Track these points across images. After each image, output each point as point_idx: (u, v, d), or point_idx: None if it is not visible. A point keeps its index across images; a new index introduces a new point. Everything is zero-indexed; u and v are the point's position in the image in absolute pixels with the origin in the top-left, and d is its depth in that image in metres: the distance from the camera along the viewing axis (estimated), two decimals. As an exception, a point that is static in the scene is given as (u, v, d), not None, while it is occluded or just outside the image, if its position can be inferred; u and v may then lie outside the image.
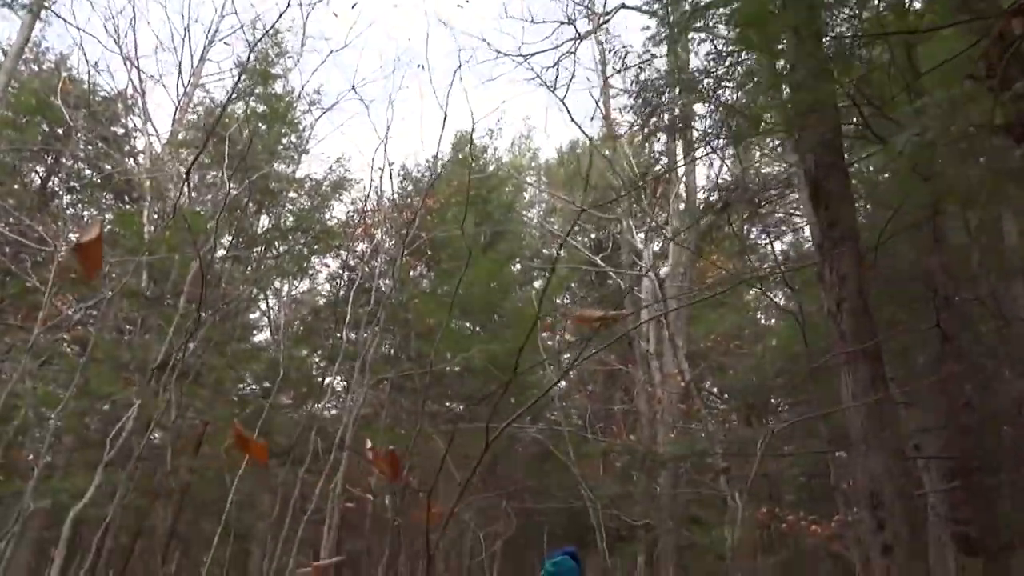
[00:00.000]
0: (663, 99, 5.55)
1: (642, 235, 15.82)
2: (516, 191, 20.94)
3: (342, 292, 16.31)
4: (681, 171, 14.15)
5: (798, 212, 13.10)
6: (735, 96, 5.82)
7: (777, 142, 8.34)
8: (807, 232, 15.46)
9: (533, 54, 12.51)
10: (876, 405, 5.26)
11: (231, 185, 10.58)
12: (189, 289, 10.67)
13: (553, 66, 10.86)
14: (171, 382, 9.31)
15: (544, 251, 22.57)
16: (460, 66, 6.02)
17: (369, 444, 1.30)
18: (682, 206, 15.66)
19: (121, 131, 18.33)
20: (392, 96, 28.70)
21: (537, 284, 22.58)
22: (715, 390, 22.43)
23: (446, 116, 8.50)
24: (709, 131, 5.58)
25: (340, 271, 16.07)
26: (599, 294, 21.38)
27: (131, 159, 17.76)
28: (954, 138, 4.05)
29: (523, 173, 22.41)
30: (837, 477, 8.46)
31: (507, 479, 19.10)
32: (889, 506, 4.95)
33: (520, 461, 19.84)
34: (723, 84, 5.63)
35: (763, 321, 25.59)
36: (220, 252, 13.40)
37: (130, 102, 18.16)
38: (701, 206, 7.12)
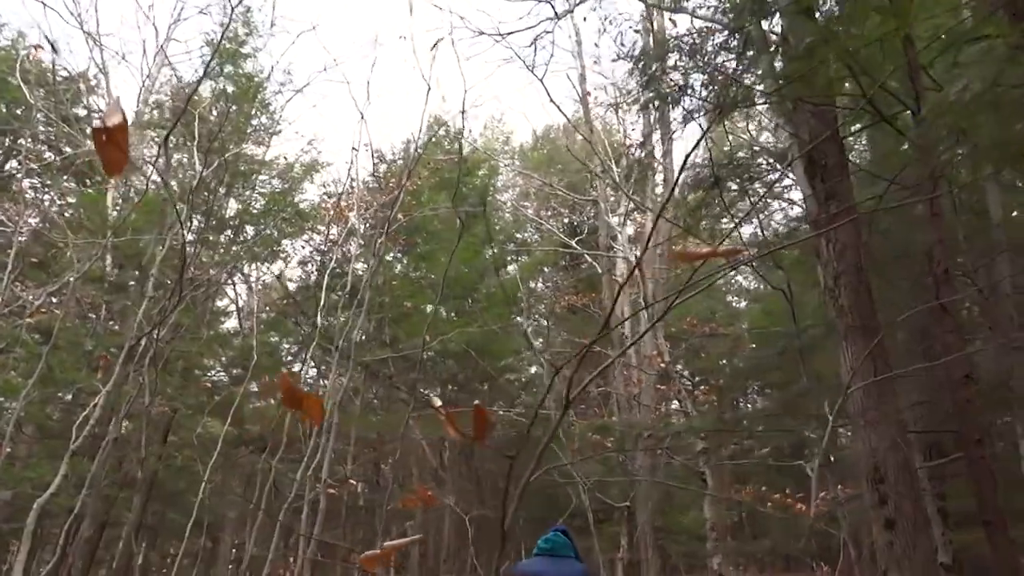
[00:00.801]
0: (662, 66, 5.40)
1: (617, 218, 15.74)
2: (491, 174, 20.73)
3: (314, 277, 15.97)
4: (659, 151, 14.08)
5: (768, 195, 13.14)
6: (731, 67, 5.69)
7: (762, 118, 8.27)
8: (790, 212, 15.53)
9: (510, 32, 12.34)
10: (875, 379, 5.20)
11: (201, 166, 10.21)
12: (158, 273, 10.28)
13: (530, 45, 10.68)
14: (143, 367, 8.97)
15: (518, 235, 22.41)
16: (443, 38, 5.80)
17: (439, 402, 1.11)
18: (659, 189, 15.61)
19: (83, 112, 17.73)
20: (371, 72, 28.01)
21: (511, 268, 22.44)
22: (686, 372, 22.57)
23: (429, 89, 8.29)
24: (705, 100, 5.45)
25: (312, 255, 15.75)
26: (573, 277, 21.29)
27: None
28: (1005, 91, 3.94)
29: (496, 157, 22.17)
30: (819, 453, 8.43)
31: (484, 463, 19.00)
32: (891, 480, 4.89)
33: (494, 445, 19.70)
34: (720, 53, 5.51)
35: (735, 303, 25.85)
36: (189, 236, 12.99)
37: (92, 82, 17.55)
38: (689, 183, 7.03)
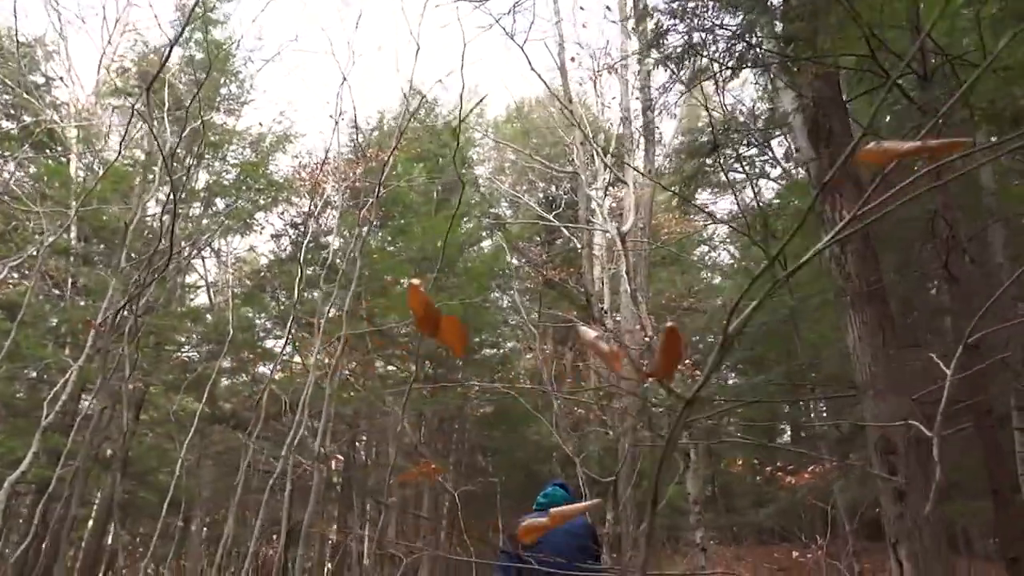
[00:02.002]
0: (675, 24, 5.18)
1: (596, 191, 15.55)
2: (467, 146, 20.37)
3: (288, 250, 15.57)
4: (640, 121, 13.91)
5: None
6: (733, 27, 5.50)
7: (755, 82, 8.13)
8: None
9: (490, -1, 11.99)
10: (884, 347, 5.11)
11: (172, 133, 9.79)
12: (130, 244, 9.89)
13: (508, 12, 10.40)
14: (123, 340, 8.62)
15: (493, 210, 22.12)
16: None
17: (591, 334, 0.88)
18: (640, 162, 15.41)
19: (41, 79, 17.05)
20: (354, 31, 27.09)
21: (486, 244, 22.20)
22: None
23: (418, 48, 7.99)
24: (713, 59, 5.25)
25: (286, 228, 15.31)
26: (550, 252, 21.12)
27: (53, 110, 16.54)
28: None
29: (474, 128, 21.74)
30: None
31: (463, 439, 18.90)
32: (902, 451, 4.80)
33: (472, 421, 19.59)
34: (726, 9, 5.30)
35: (709, 279, 25.88)
36: (157, 208, 12.54)
37: (50, 47, 16.87)
38: (683, 149, 6.85)
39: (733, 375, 22.61)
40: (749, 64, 5.41)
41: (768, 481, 9.21)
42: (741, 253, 21.62)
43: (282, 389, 13.61)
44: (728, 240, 23.57)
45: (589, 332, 0.91)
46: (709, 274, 26.25)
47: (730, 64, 5.33)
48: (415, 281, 0.84)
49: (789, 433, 22.52)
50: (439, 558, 15.53)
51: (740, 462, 10.44)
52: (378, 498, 13.79)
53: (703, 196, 20.26)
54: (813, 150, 5.77)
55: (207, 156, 13.81)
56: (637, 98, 13.44)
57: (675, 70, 5.27)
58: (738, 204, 6.40)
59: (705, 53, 5.23)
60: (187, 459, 10.41)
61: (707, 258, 25.39)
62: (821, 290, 7.27)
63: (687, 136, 6.83)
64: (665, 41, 5.20)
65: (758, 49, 5.28)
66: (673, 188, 6.93)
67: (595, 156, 15.44)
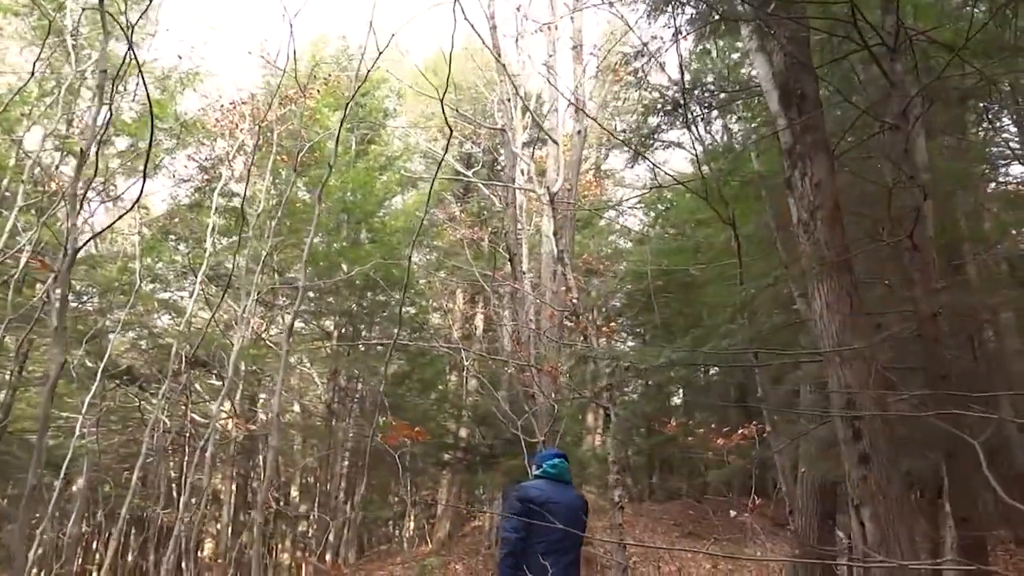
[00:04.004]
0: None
1: (521, 149, 15.31)
2: (385, 96, 19.56)
3: (194, 196, 14.55)
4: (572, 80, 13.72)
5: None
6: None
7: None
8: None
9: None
10: (851, 314, 5.19)
11: (72, 63, 8.85)
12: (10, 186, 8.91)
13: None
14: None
15: (408, 165, 21.46)
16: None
17: None
18: (569, 127, 15.24)
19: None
20: None
21: (397, 201, 21.59)
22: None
23: (378, -17, 7.43)
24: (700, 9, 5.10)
25: (197, 171, 14.24)
26: (464, 208, 20.72)
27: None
28: None
29: (386, 81, 20.90)
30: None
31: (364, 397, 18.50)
32: (866, 415, 4.89)
33: (378, 379, 19.14)
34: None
35: (618, 243, 26.21)
36: (48, 143, 11.40)
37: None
38: (647, 107, 6.72)
39: (632, 340, 23.12)
40: (731, 17, 5.27)
41: (698, 443, 9.41)
42: (652, 219, 21.95)
43: (185, 342, 12.79)
44: (637, 207, 23.83)
45: None
46: (617, 238, 26.56)
47: (716, 17, 5.18)
48: None
49: (681, 397, 23.23)
50: (350, 519, 15.23)
51: (674, 422, 10.61)
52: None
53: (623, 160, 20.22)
54: (784, 115, 5.74)
55: (106, 90, 12.61)
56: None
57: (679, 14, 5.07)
58: (699, 165, 6.32)
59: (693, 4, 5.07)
60: (87, 418, 9.63)
61: (616, 223, 25.62)
62: (772, 268, 7.34)
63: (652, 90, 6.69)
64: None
65: (741, 7, 5.15)
66: (632, 145, 6.79)
67: (521, 113, 15.15)
